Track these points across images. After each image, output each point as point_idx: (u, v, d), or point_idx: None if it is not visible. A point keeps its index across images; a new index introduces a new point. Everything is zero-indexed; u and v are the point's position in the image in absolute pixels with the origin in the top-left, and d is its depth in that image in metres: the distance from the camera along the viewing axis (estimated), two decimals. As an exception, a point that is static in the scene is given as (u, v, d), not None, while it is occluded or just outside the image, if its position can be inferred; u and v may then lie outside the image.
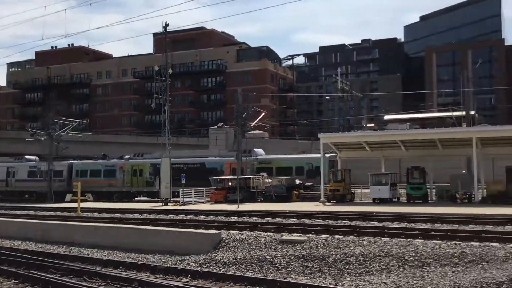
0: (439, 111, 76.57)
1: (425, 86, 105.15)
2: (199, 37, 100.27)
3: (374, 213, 23.52)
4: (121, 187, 46.15)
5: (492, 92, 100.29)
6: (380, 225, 19.75)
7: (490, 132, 31.96)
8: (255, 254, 15.16)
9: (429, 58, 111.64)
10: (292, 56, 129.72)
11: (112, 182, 46.50)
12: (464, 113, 45.63)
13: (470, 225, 18.88)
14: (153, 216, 27.21)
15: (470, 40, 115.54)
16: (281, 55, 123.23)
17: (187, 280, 12.62)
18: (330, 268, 13.48)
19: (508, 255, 12.88)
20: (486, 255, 13.08)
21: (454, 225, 19.18)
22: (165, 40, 40.15)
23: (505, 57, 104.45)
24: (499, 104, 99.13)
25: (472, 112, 47.27)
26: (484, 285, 10.74)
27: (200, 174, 41.28)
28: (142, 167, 45.72)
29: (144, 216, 27.40)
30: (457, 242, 14.65)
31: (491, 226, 18.50)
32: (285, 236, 17.29)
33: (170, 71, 39.69)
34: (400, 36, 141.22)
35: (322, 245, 15.41)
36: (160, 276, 13.16)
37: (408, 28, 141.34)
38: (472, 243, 14.47)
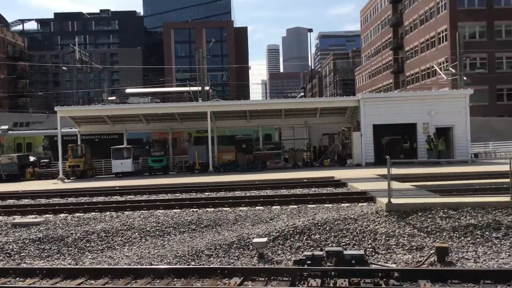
0: (178, 86, 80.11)
1: (164, 61, 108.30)
2: None
3: (117, 187, 23.38)
4: None
5: (223, 70, 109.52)
6: (123, 199, 19.76)
7: (222, 107, 34.93)
8: (-19, 243, 13.44)
9: (167, 34, 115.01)
10: (22, 21, 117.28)
11: None
12: (199, 88, 48.81)
13: (206, 193, 20.42)
14: None
15: (205, 19, 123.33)
16: (9, 18, 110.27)
17: None
18: (70, 248, 12.92)
19: (237, 217, 14.42)
20: (219, 219, 14.38)
21: (192, 193, 20.48)
22: None
23: (235, 37, 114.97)
24: (229, 80, 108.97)
25: (207, 88, 50.96)
26: (217, 247, 11.81)
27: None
28: (32, 140, 36.21)
29: None
30: (195, 210, 15.71)
31: (223, 192, 20.38)
32: (18, 219, 15.81)
33: None
34: (140, 10, 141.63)
35: (60, 225, 14.61)
36: None
37: (146, 2, 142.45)
38: (208, 209, 15.71)
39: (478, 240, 11.49)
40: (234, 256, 11.38)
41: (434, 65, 57.08)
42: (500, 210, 12.85)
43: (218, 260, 11.19)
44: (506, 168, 14.39)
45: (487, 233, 11.75)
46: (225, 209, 15.59)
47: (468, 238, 11.58)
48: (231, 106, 35.09)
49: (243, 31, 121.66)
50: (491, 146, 38.56)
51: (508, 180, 13.79)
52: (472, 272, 8.91)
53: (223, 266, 10.24)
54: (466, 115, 29.72)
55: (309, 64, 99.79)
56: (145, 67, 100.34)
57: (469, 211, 12.90)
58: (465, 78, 43.62)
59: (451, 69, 47.59)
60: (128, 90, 69.66)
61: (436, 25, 61.12)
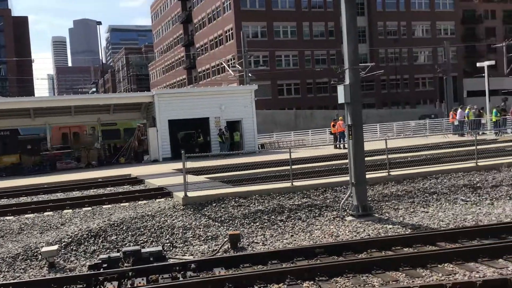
0: None
1: None
2: None
3: None
4: None
5: (1, 63, 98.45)
6: None
7: (4, 104, 31.32)
8: None
9: None
10: None
11: None
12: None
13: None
14: None
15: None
16: None
17: None
18: None
19: (23, 226, 13.12)
20: (1, 229, 12.90)
21: (-35, 204, 17.93)
22: None
23: (14, 27, 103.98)
24: (9, 75, 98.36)
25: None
26: (0, 261, 10.58)
27: (12, 147, 30.76)
28: None
29: None
30: (-30, 222, 13.80)
31: (5, 199, 18.32)
32: None
33: None
34: None
35: None
36: None
37: None
38: (-14, 220, 13.95)
39: (265, 224, 12.52)
40: (20, 269, 10.34)
41: (223, 62, 60.24)
42: (283, 195, 14.21)
43: (1, 276, 10.04)
44: (288, 156, 15.98)
45: (273, 217, 12.88)
46: (7, 218, 14.04)
47: (257, 223, 12.53)
48: (11, 103, 31.65)
49: (23, 21, 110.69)
50: (275, 136, 42.37)
51: (289, 167, 15.35)
52: (261, 255, 9.66)
53: (7, 282, 9.21)
54: (253, 109, 32.05)
55: (100, 58, 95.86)
56: None
57: (257, 198, 13.97)
58: (250, 74, 47.01)
59: (237, 66, 50.77)
60: None
61: (223, 24, 64.49)
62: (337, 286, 7.89)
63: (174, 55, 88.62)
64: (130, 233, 11.95)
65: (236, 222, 12.58)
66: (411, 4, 70.43)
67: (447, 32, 72.26)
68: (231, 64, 58.26)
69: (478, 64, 39.63)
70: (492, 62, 38.40)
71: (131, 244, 11.42)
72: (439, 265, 8.45)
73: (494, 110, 31.03)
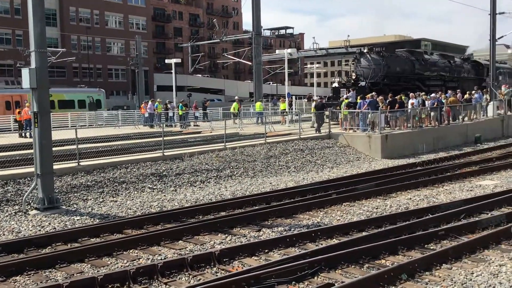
0: None
1: None
2: None
3: None
4: None
5: None
6: None
7: None
8: None
9: None
10: None
11: None
12: None
13: None
14: None
15: None
16: None
17: None
18: None
19: None
20: None
21: None
22: None
23: None
24: None
25: None
26: None
27: None
28: None
29: None
30: None
31: None
32: None
33: None
34: None
35: None
36: None
37: None
38: None
39: None
40: None
41: None
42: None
43: None
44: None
45: None
46: None
47: None
48: None
49: None
50: None
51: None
52: None
53: None
54: None
55: None
56: None
57: None
58: None
59: None
60: None
61: None
62: (15, 285, 7.25)
63: None
64: None
65: None
66: (104, -6, 70.15)
67: (140, 27, 74.77)
68: None
69: (166, 61, 42.28)
70: (179, 60, 41.46)
71: None
72: (125, 252, 8.69)
73: (180, 104, 33.74)
